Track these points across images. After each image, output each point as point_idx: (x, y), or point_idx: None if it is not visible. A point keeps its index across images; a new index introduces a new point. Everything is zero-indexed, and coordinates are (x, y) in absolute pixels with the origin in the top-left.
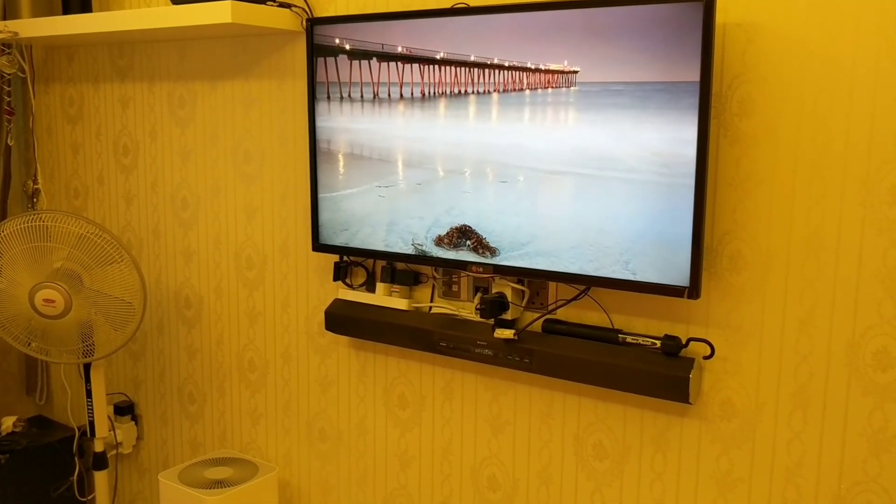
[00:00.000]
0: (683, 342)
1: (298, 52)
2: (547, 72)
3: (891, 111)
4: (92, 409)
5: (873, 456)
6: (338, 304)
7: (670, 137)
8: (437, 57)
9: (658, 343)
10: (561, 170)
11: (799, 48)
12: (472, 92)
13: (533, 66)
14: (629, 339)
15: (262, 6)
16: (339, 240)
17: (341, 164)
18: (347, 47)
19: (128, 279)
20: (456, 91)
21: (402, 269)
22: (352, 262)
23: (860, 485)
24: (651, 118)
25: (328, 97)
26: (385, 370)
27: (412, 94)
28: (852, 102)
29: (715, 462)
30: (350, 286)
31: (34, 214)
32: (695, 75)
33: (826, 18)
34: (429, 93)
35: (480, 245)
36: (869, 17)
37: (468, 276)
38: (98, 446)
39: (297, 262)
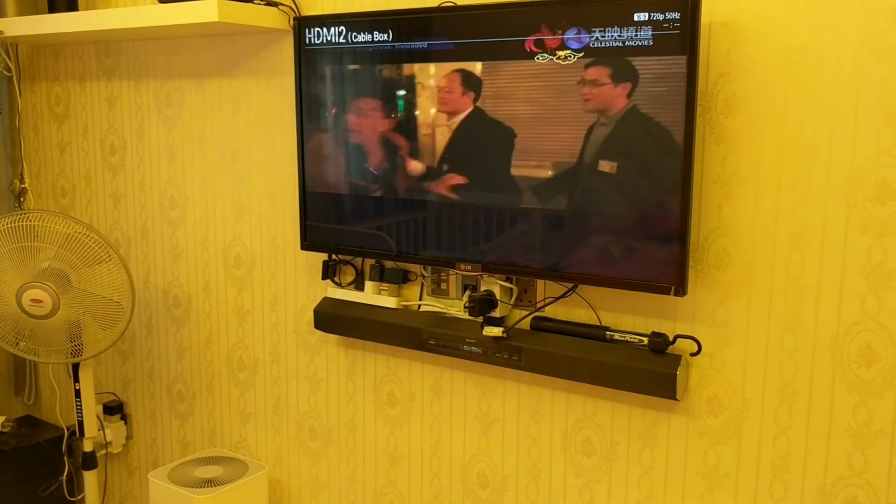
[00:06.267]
0: (670, 339)
1: (286, 51)
2: None
3: (874, 109)
4: (81, 409)
5: (858, 451)
6: (327, 302)
7: (656, 135)
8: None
9: (645, 340)
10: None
11: (783, 47)
12: None
13: None
14: (617, 336)
15: (249, 5)
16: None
17: None
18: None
19: (116, 278)
20: None
21: (391, 267)
22: (340, 261)
23: (845, 479)
24: None
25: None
26: (374, 368)
27: None
28: (836, 101)
29: (702, 457)
30: (339, 285)
31: (21, 214)
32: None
33: (810, 17)
34: None
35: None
36: (852, 15)
37: (456, 273)
38: (87, 446)
39: (286, 261)
